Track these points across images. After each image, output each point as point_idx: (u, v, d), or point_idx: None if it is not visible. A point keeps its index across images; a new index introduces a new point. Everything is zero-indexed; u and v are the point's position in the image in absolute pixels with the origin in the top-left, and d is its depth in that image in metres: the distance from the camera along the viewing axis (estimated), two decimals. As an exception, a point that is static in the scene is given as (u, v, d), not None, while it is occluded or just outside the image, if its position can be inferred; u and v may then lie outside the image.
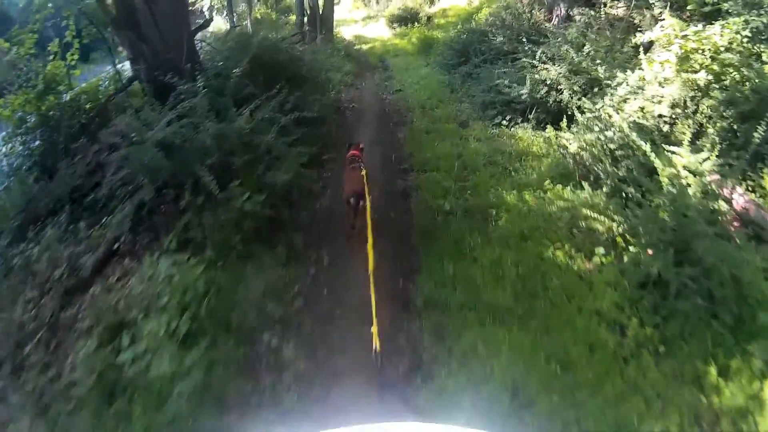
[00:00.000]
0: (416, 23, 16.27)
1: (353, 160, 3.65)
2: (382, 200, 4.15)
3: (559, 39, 6.20)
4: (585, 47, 5.64)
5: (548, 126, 5.34)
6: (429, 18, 16.69)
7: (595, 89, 5.22)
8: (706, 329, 2.41)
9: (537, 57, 5.90)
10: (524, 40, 6.42)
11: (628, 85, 4.53)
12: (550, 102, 5.51)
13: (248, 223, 3.26)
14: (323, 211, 4.10)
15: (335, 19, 24.03)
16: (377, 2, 22.00)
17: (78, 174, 3.84)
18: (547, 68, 5.71)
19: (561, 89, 5.49)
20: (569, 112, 5.11)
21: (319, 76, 6.45)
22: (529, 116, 5.73)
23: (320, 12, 12.26)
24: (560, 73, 5.54)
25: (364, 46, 15.25)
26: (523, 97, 5.64)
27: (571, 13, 8.05)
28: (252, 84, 4.26)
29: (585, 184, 3.80)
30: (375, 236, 2.69)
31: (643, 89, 4.35)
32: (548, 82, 5.59)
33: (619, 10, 7.47)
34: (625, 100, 4.45)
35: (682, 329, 2.46)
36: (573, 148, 4.53)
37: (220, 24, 18.94)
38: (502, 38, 7.99)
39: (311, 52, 7.11)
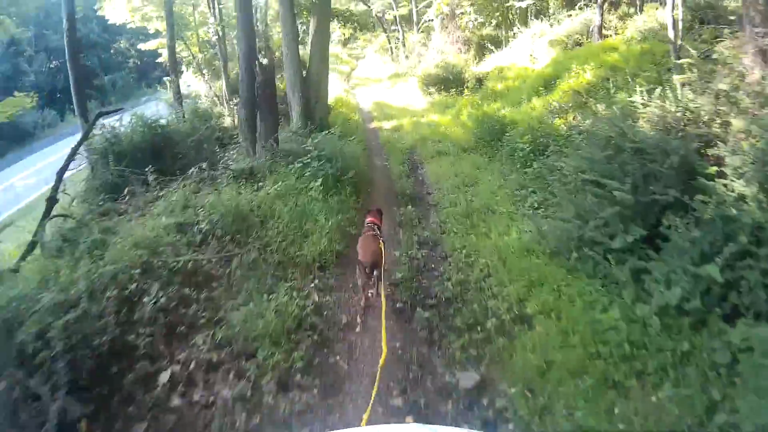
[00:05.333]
0: (463, 88, 11.40)
1: (370, 227, 3.58)
2: None
3: None
4: None
5: None
6: (480, 80, 11.77)
7: None
8: None
9: None
10: None
11: None
12: None
13: None
14: None
15: (355, 76, 19.17)
16: (406, 57, 17.47)
17: None
18: None
19: None
20: None
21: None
22: None
23: (304, 73, 7.38)
24: None
25: (386, 125, 10.33)
26: None
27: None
28: None
29: None
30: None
31: None
32: None
33: None
34: None
35: None
36: None
37: (197, 89, 14.50)
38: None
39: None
